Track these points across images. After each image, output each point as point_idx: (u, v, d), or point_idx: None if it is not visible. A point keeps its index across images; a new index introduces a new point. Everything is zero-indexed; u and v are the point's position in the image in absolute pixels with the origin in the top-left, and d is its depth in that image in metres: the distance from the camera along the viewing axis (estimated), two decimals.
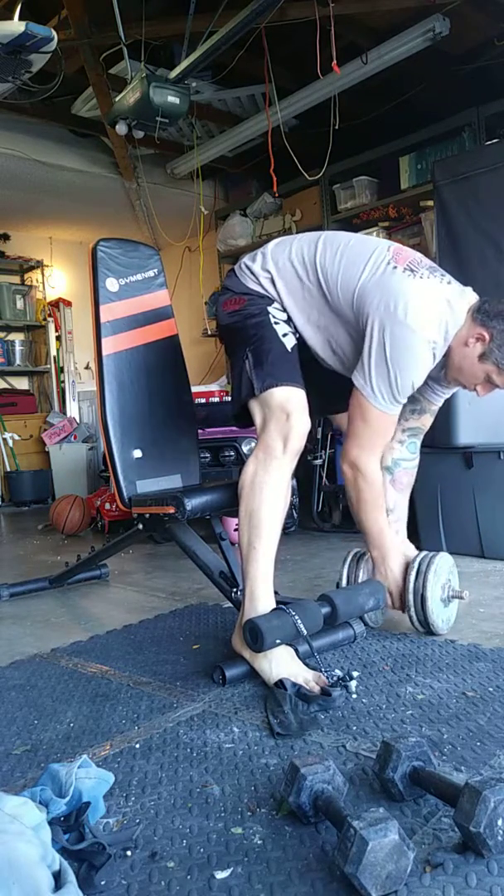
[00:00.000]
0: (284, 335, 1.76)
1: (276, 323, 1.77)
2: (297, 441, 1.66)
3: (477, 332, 1.69)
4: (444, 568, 1.85)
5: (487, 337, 1.67)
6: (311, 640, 1.50)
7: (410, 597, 1.81)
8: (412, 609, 1.81)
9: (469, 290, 1.76)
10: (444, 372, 1.81)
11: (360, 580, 1.91)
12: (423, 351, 1.68)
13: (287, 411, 1.66)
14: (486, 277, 3.46)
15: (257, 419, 1.72)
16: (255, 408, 1.73)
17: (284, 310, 1.79)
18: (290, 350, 1.75)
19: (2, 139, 4.49)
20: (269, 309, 1.78)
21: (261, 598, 1.58)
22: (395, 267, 1.69)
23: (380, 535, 1.84)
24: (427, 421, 2.00)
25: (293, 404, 1.68)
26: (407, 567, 1.83)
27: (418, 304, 1.65)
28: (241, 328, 1.79)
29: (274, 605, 1.58)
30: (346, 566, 1.95)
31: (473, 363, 1.72)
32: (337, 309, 1.76)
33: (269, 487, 1.63)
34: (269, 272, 1.80)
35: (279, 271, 1.79)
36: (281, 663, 1.52)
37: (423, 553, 1.87)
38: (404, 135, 4.28)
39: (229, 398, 3.78)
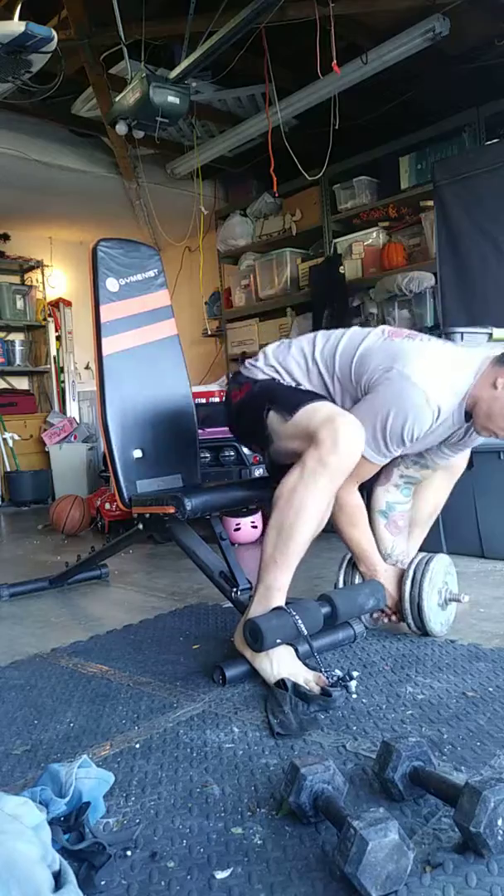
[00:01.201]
0: (297, 384, 1.77)
1: (282, 381, 1.79)
2: (349, 457, 1.52)
3: None
4: (439, 572, 1.83)
5: None
6: (311, 639, 1.50)
7: (406, 606, 1.79)
8: (409, 617, 1.81)
9: (480, 349, 1.72)
10: (471, 426, 1.75)
11: (356, 583, 1.91)
12: (420, 403, 1.60)
13: (335, 423, 1.53)
14: (486, 277, 3.46)
15: (296, 443, 1.61)
16: (291, 436, 1.63)
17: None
18: (307, 387, 1.75)
19: (2, 139, 4.50)
20: (277, 377, 1.81)
21: (274, 602, 1.56)
22: (394, 339, 1.71)
23: (363, 553, 1.83)
24: (427, 475, 1.96)
25: (341, 418, 1.55)
26: (402, 576, 1.82)
27: (420, 363, 1.63)
28: (252, 399, 1.79)
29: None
30: (342, 570, 1.94)
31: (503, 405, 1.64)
32: (343, 384, 1.75)
33: (308, 506, 1.52)
34: (273, 367, 1.82)
35: (282, 365, 1.81)
36: (282, 663, 1.51)
37: (419, 557, 1.84)
38: (404, 135, 4.28)
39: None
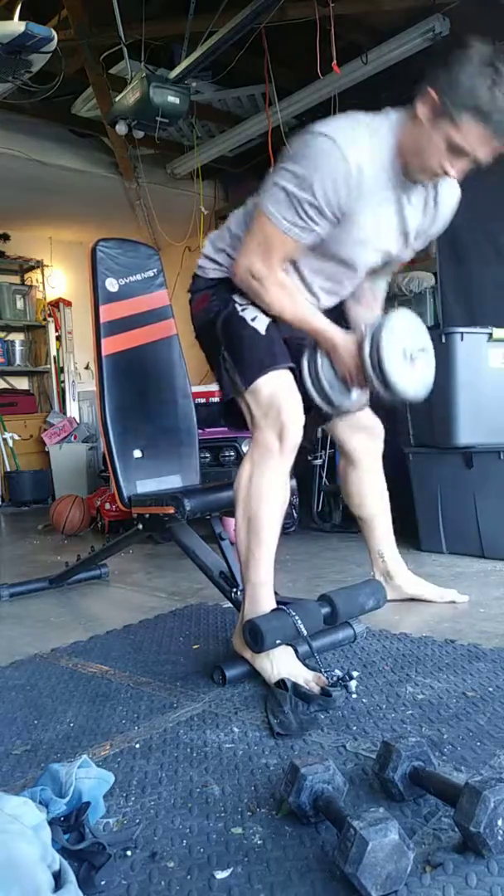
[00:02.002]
0: (254, 319, 1.69)
1: (242, 310, 1.71)
2: (292, 435, 1.59)
3: (422, 99, 1.52)
4: (401, 327, 1.67)
5: (434, 92, 1.49)
6: (311, 640, 1.50)
7: (368, 366, 1.64)
8: (374, 381, 1.65)
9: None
10: (407, 170, 1.60)
11: (322, 367, 1.75)
12: (333, 155, 1.48)
13: (277, 405, 1.59)
14: (486, 277, 3.46)
15: (248, 417, 1.67)
16: (244, 405, 1.67)
17: None
18: (264, 333, 1.68)
19: (2, 139, 4.50)
20: (234, 297, 1.73)
21: (262, 601, 1.57)
22: None
23: (319, 329, 1.69)
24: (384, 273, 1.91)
25: (282, 396, 1.61)
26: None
27: (333, 121, 1.56)
28: (211, 328, 1.76)
29: (274, 604, 1.58)
30: (305, 359, 1.76)
31: (430, 133, 1.51)
32: None
33: (266, 490, 1.58)
34: (223, 252, 1.77)
35: (231, 240, 1.76)
36: (281, 663, 1.51)
37: (378, 317, 1.73)
38: None
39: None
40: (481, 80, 1.45)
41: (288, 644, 1.53)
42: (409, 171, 1.61)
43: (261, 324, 1.69)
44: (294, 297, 1.69)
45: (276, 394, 1.62)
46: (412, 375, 1.71)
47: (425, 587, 2.13)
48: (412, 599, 2.11)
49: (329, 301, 1.84)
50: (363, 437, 2.03)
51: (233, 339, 1.70)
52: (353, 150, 1.52)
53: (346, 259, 1.71)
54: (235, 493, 1.62)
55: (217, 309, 1.75)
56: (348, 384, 1.74)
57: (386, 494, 2.09)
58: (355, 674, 1.54)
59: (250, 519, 1.58)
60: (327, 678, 1.48)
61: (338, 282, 1.78)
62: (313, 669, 1.51)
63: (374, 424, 2.05)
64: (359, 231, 1.63)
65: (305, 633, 1.46)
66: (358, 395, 1.79)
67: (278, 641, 1.46)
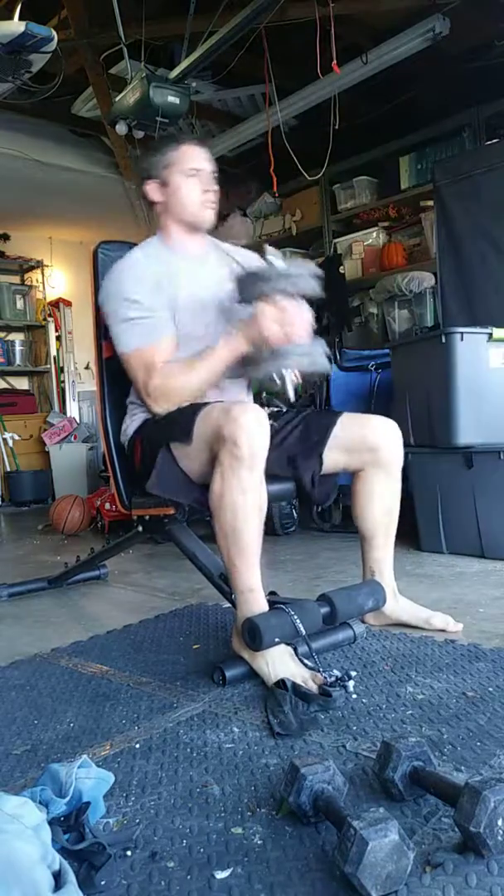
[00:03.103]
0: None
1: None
2: (253, 443, 1.53)
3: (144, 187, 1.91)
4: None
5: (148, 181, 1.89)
6: (310, 640, 1.50)
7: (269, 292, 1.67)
8: (280, 291, 1.68)
9: None
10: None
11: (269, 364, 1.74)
12: (129, 264, 1.84)
13: (226, 411, 1.57)
14: (485, 277, 3.46)
15: (207, 452, 1.63)
16: (201, 449, 1.64)
17: None
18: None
19: (2, 139, 4.50)
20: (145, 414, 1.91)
21: (253, 607, 1.56)
22: None
23: (223, 355, 1.74)
24: None
25: (228, 404, 1.61)
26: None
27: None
28: (151, 450, 1.80)
29: (267, 607, 1.57)
30: None
31: (164, 196, 1.89)
32: None
33: (239, 501, 1.54)
34: (133, 404, 1.99)
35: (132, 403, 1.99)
36: (279, 662, 1.51)
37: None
38: (404, 135, 4.28)
39: None
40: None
41: (287, 644, 1.53)
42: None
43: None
44: (179, 372, 1.77)
45: (228, 406, 1.60)
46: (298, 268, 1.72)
47: (412, 613, 1.90)
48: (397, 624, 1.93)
49: None
50: (367, 459, 1.85)
51: (161, 428, 1.79)
52: (135, 257, 1.94)
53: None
54: (211, 507, 1.59)
55: (146, 442, 1.85)
56: (289, 341, 1.70)
57: (393, 514, 1.90)
58: (353, 673, 1.54)
59: (227, 533, 1.56)
60: (325, 678, 1.48)
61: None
62: (311, 669, 1.51)
63: (380, 445, 1.85)
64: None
65: (304, 632, 1.46)
66: (308, 344, 1.71)
67: (277, 640, 1.46)
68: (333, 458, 1.86)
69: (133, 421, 1.94)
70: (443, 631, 1.84)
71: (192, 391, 1.77)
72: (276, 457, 1.75)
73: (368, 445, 1.84)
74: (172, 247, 1.93)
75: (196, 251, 1.96)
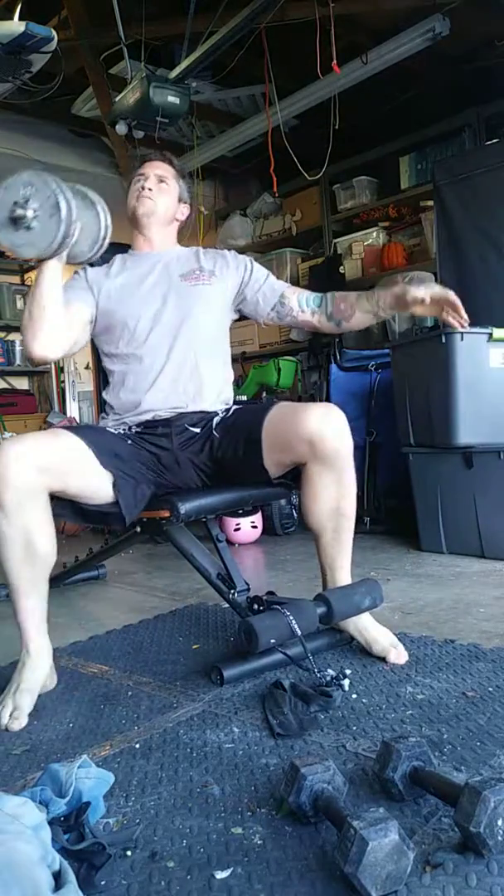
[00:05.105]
0: None
1: None
2: (4, 491, 1.45)
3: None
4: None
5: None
6: (305, 640, 1.49)
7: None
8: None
9: None
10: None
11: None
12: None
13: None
14: (485, 277, 3.46)
15: None
16: None
17: None
18: None
19: (2, 139, 4.49)
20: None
21: (31, 641, 1.56)
22: None
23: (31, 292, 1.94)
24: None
25: None
26: None
27: None
28: None
29: (44, 644, 1.57)
30: None
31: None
32: None
33: (3, 547, 1.49)
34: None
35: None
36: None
37: None
38: (404, 135, 4.28)
39: None
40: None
41: (280, 644, 1.52)
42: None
43: None
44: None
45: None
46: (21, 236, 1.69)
47: (358, 629, 1.73)
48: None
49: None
50: (305, 452, 1.64)
51: None
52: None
53: None
54: None
55: None
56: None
57: (343, 509, 1.68)
58: (348, 672, 1.54)
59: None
60: (320, 678, 1.48)
61: None
62: (307, 670, 1.51)
63: (314, 437, 1.61)
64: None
65: (300, 632, 1.45)
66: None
67: (272, 641, 1.46)
68: (275, 459, 1.71)
69: (103, 423, 1.98)
70: (383, 660, 1.66)
71: (25, 317, 1.89)
72: (226, 476, 1.81)
73: (302, 438, 1.62)
74: (129, 259, 2.13)
75: (142, 268, 2.08)
